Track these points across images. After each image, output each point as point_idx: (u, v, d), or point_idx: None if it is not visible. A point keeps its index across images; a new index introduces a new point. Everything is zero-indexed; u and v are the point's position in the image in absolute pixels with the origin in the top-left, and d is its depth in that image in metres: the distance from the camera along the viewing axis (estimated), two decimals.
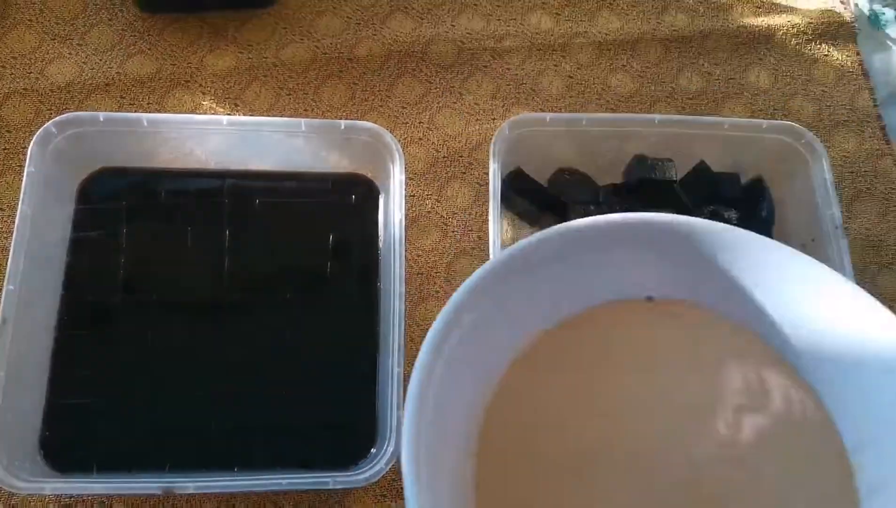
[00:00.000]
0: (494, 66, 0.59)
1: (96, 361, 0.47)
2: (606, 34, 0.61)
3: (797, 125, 0.52)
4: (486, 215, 0.54)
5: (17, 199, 0.45)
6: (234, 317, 0.49)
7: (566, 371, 0.41)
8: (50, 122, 0.48)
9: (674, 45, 0.61)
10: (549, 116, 0.51)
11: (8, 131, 0.54)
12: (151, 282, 0.49)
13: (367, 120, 0.56)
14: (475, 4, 0.61)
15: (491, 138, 0.55)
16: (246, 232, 0.51)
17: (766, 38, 0.62)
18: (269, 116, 0.56)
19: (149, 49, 0.57)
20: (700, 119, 0.54)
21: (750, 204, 0.54)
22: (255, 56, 0.57)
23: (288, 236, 0.51)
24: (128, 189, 0.51)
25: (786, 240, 0.52)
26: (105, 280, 0.49)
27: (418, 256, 0.53)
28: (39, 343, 0.47)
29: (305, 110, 0.56)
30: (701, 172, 0.53)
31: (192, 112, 0.55)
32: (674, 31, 0.62)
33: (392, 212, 0.49)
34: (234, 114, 0.56)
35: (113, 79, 0.56)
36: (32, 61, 0.56)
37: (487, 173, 0.55)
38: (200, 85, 0.56)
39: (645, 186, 0.52)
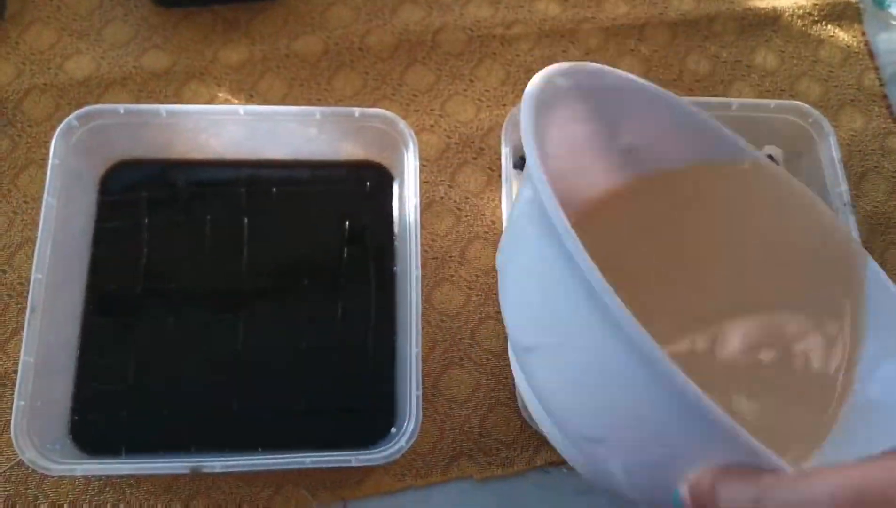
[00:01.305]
0: (504, 52, 0.60)
1: (122, 347, 0.48)
2: (614, 19, 0.62)
3: (805, 105, 0.53)
4: (499, 198, 0.55)
5: (42, 191, 0.47)
6: (253, 303, 0.50)
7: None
8: (72, 114, 0.49)
9: (681, 28, 0.62)
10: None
11: (29, 126, 0.55)
12: (173, 270, 0.51)
13: (379, 108, 0.57)
14: None
15: (502, 123, 0.56)
16: (263, 220, 0.52)
17: (772, 20, 0.63)
18: (283, 105, 0.57)
19: (164, 43, 0.58)
20: (708, 100, 0.54)
21: None
22: (267, 48, 0.58)
23: (304, 223, 0.52)
24: (147, 180, 0.53)
25: None
26: (128, 269, 0.50)
27: (433, 240, 0.54)
28: (67, 331, 0.48)
29: (318, 100, 0.57)
30: None
31: (208, 103, 0.56)
32: (681, 14, 0.62)
33: (407, 198, 0.50)
34: (250, 104, 0.57)
35: (130, 73, 0.57)
36: (51, 57, 0.57)
37: (499, 158, 0.56)
38: (215, 77, 0.57)
39: None
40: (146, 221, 0.51)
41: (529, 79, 0.34)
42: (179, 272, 0.51)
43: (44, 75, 0.57)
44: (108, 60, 0.57)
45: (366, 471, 0.48)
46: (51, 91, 0.56)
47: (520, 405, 0.49)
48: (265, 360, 0.49)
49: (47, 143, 0.54)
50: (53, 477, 0.47)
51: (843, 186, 0.51)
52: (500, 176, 0.56)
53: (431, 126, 0.57)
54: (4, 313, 0.51)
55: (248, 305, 0.50)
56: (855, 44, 0.63)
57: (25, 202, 0.53)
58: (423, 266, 0.53)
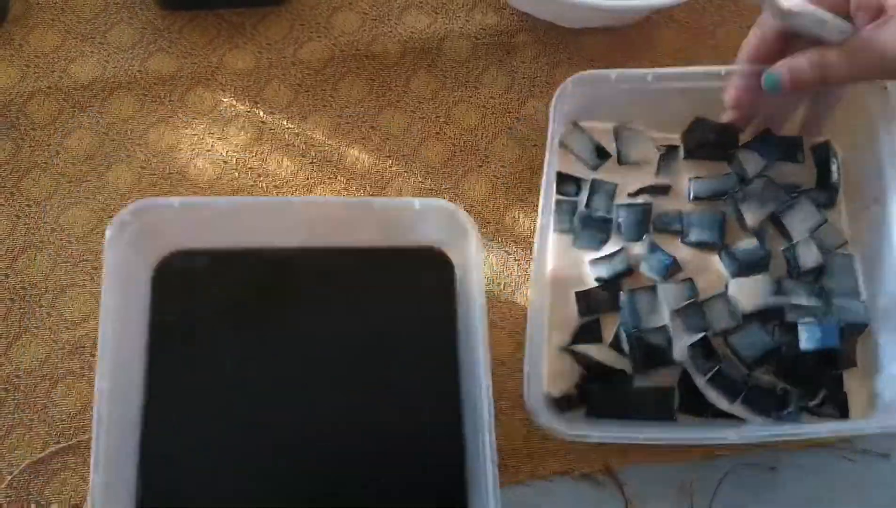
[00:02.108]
0: (508, 60, 0.60)
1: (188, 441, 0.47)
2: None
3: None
4: (502, 207, 0.56)
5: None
6: (320, 397, 0.48)
7: None
8: (124, 210, 0.45)
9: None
10: (614, 73, 0.52)
11: (33, 129, 0.55)
12: (237, 364, 0.49)
13: (384, 116, 0.57)
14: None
15: (505, 131, 0.56)
16: (322, 309, 0.50)
17: None
18: (288, 112, 0.57)
19: (169, 47, 0.58)
20: None
21: (819, 169, 0.54)
22: (273, 54, 0.58)
23: (365, 311, 0.50)
24: (201, 271, 0.50)
25: (851, 201, 0.54)
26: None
27: None
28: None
29: (324, 106, 0.57)
30: (765, 136, 0.53)
31: (213, 109, 0.56)
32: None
33: (472, 295, 0.46)
34: (254, 110, 0.57)
35: (135, 76, 0.57)
36: (55, 60, 0.57)
37: (503, 166, 0.57)
38: (220, 83, 0.57)
39: (704, 149, 0.53)
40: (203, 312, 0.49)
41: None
42: (242, 366, 0.48)
43: (48, 78, 0.57)
44: (112, 64, 0.57)
45: None
46: (55, 94, 0.56)
47: None
48: (333, 452, 0.47)
49: (51, 146, 0.55)
50: None
51: None
52: (505, 184, 0.56)
53: (437, 134, 0.57)
54: (7, 317, 0.51)
55: (313, 399, 0.48)
56: None
57: (28, 206, 0.53)
58: None
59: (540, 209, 0.49)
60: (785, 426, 0.48)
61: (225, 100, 0.57)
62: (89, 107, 0.56)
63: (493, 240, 0.55)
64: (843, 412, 0.49)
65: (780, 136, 0.53)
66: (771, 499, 0.50)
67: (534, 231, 0.55)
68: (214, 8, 0.59)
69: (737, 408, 0.48)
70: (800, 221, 0.51)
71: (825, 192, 0.53)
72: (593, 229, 0.52)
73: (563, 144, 0.54)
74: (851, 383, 0.50)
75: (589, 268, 0.52)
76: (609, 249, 0.52)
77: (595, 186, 0.53)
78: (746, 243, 0.51)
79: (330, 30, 0.60)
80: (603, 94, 0.52)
